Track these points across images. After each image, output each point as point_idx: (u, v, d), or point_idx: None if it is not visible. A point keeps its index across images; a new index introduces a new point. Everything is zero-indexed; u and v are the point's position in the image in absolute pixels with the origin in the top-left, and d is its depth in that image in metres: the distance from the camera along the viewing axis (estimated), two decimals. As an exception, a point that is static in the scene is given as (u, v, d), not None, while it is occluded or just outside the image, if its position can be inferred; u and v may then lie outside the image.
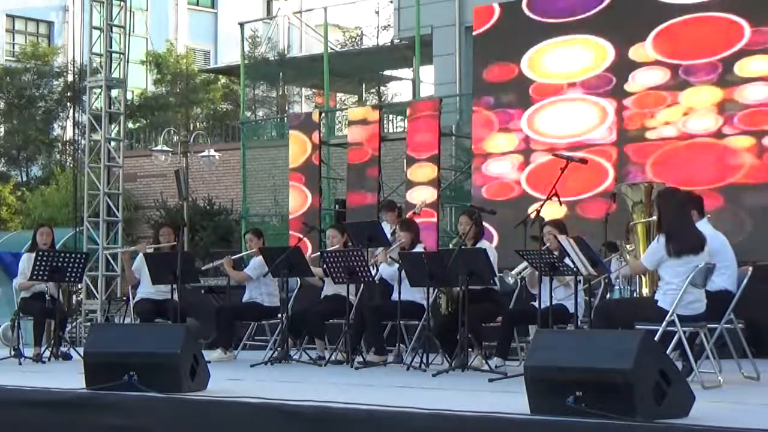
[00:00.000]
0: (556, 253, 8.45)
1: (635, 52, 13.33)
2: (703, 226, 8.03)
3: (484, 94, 14.61)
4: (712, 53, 12.85)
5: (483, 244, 9.13)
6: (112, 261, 15.96)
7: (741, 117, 12.62)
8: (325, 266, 9.84)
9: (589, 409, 5.28)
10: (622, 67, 13.42)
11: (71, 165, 26.72)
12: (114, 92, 16.79)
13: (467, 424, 5.55)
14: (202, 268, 11.24)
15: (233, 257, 11.07)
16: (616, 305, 8.39)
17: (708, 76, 12.86)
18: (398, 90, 32.15)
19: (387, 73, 28.10)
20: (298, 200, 16.59)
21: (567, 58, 13.90)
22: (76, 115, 28.66)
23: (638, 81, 13.33)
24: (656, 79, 13.20)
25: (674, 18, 13.13)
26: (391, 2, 23.42)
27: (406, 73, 27.12)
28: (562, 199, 8.41)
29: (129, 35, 16.46)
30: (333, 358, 9.67)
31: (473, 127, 14.91)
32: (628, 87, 13.38)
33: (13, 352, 10.31)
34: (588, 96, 13.67)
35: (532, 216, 8.46)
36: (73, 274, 10.47)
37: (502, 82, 14.35)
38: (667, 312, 7.25)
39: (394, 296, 9.56)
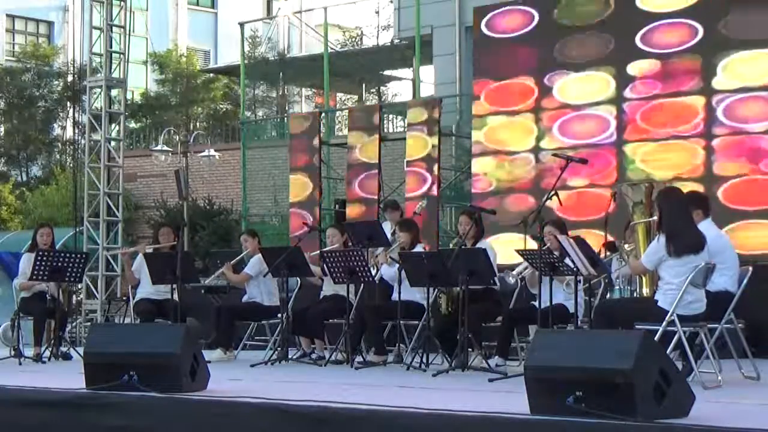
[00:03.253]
0: (556, 253, 8.45)
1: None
2: (708, 226, 8.02)
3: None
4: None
5: (483, 243, 9.13)
6: (112, 261, 15.97)
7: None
8: (325, 266, 9.85)
9: (589, 409, 5.28)
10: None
11: (71, 165, 26.75)
12: (114, 92, 16.81)
13: (467, 424, 5.55)
14: (206, 283, 11.30)
15: (232, 262, 11.06)
16: (616, 305, 8.38)
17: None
18: (398, 90, 32.20)
19: (387, 73, 28.10)
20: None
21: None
22: (76, 115, 28.71)
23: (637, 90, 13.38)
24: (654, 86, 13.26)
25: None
26: (391, 2, 23.42)
27: (406, 73, 27.15)
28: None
29: (129, 35, 16.48)
30: (333, 358, 9.67)
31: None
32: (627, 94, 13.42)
33: (13, 352, 10.33)
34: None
35: (532, 216, 8.47)
36: (73, 274, 10.48)
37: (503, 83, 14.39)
38: (667, 312, 7.25)
39: (394, 296, 9.56)
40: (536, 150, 13.91)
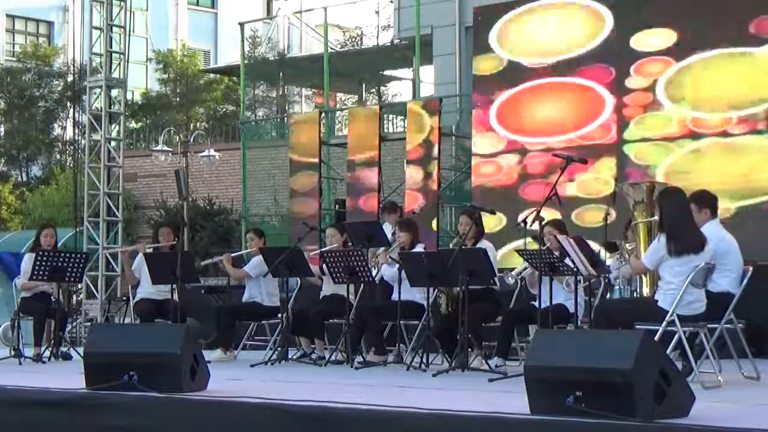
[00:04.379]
0: (556, 253, 8.45)
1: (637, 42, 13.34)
2: (715, 226, 7.99)
3: (482, 92, 14.66)
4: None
5: (483, 244, 9.13)
6: (112, 261, 15.97)
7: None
8: (325, 266, 9.84)
9: (589, 409, 5.28)
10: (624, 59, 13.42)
11: (71, 165, 26.76)
12: (114, 92, 16.80)
13: (467, 424, 5.55)
14: (202, 263, 11.26)
15: (233, 255, 11.08)
16: (616, 305, 8.38)
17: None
18: (398, 90, 32.21)
19: (387, 73, 28.11)
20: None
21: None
22: (76, 115, 28.72)
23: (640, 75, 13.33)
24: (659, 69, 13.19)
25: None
26: (391, 2, 23.43)
27: (406, 73, 27.15)
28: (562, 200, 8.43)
29: (129, 35, 16.46)
30: (333, 358, 9.67)
31: (473, 127, 14.94)
32: (629, 83, 13.39)
33: (13, 352, 10.32)
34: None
35: (532, 216, 8.46)
36: (73, 274, 10.47)
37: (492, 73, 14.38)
38: (667, 312, 7.25)
39: (394, 296, 9.56)
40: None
